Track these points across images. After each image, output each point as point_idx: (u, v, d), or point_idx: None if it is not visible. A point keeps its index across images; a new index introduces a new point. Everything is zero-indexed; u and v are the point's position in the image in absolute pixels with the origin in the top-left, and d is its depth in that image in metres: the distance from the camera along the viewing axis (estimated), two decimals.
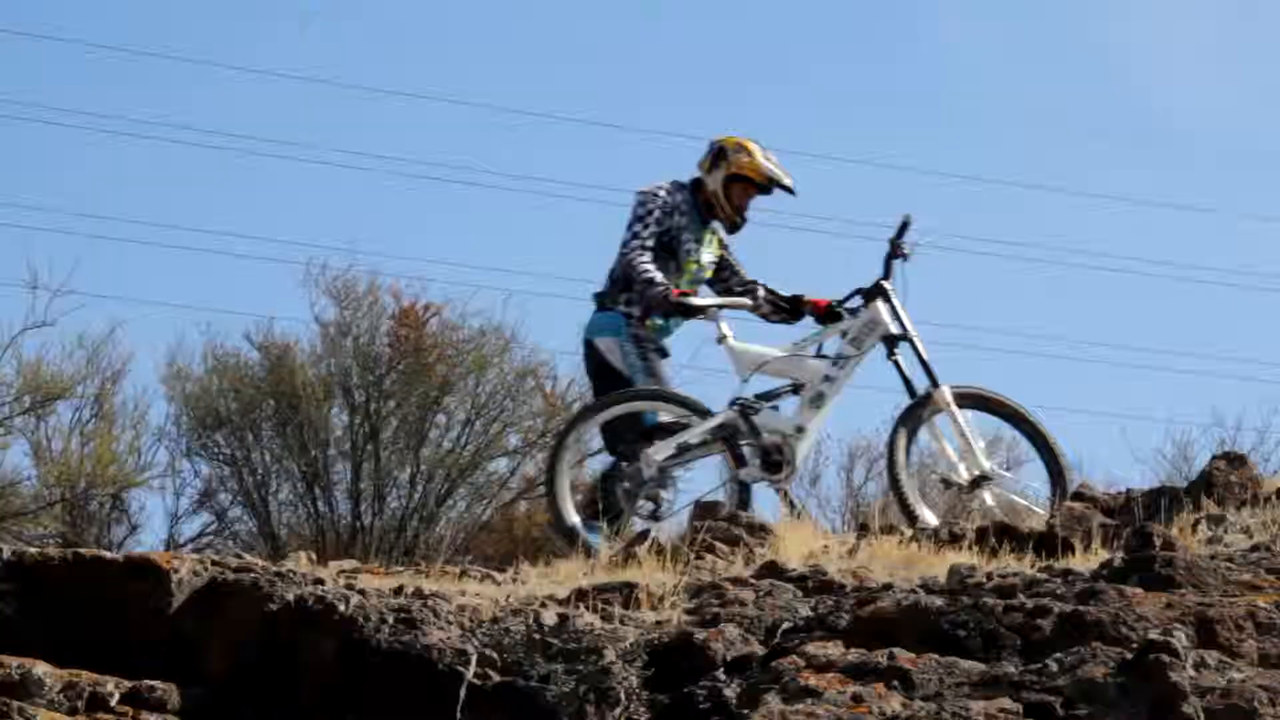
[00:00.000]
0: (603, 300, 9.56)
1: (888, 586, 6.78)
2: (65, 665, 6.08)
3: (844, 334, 9.32)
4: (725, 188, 9.62)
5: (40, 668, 5.97)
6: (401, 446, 18.96)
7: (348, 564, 8.02)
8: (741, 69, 39.82)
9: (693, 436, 9.18)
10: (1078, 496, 8.51)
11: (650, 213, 9.52)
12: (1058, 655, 5.83)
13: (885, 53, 42.07)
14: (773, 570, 7.13)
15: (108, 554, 6.56)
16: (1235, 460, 8.39)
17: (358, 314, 19.27)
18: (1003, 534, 7.78)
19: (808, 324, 9.69)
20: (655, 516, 9.10)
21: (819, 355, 9.36)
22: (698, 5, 40.88)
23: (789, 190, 9.69)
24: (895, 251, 9.30)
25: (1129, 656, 5.72)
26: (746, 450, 9.20)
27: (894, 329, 9.22)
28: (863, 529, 8.39)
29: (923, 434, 9.20)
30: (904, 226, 9.29)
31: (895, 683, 5.76)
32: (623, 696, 5.97)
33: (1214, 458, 8.50)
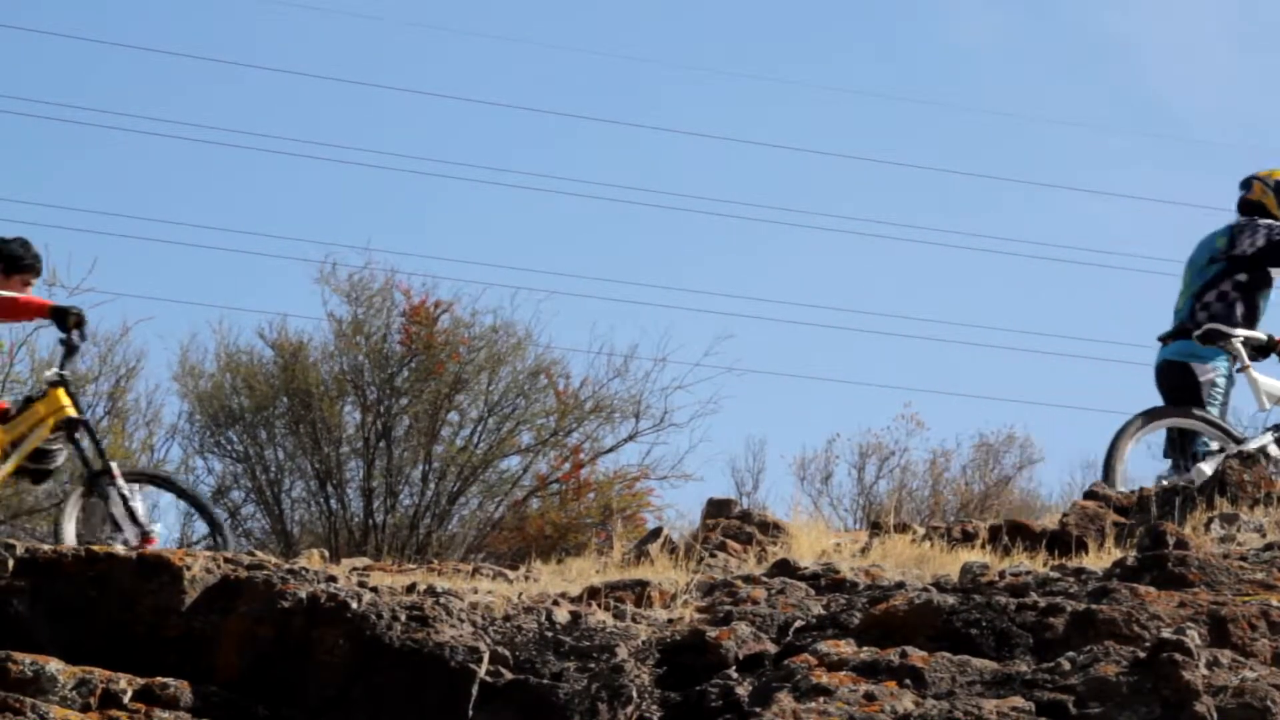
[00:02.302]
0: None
1: (900, 585, 6.78)
2: (78, 662, 6.09)
3: None
4: None
5: (53, 665, 5.98)
6: (414, 444, 18.97)
7: (360, 562, 8.03)
8: (748, 68, 39.78)
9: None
10: (1090, 495, 8.50)
11: None
12: (1070, 654, 5.82)
13: (892, 50, 42.00)
14: (785, 568, 7.13)
15: (120, 551, 6.57)
16: (1249, 459, 8.38)
17: (370, 312, 19.28)
18: (1015, 532, 7.78)
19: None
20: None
21: None
22: (706, 5, 40.86)
23: None
24: None
25: (1142, 655, 5.71)
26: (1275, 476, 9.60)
27: None
28: (875, 527, 8.39)
29: None
30: None
31: (907, 681, 5.76)
32: (635, 694, 5.97)
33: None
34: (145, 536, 8.34)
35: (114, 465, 8.53)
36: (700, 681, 6.03)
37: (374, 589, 6.54)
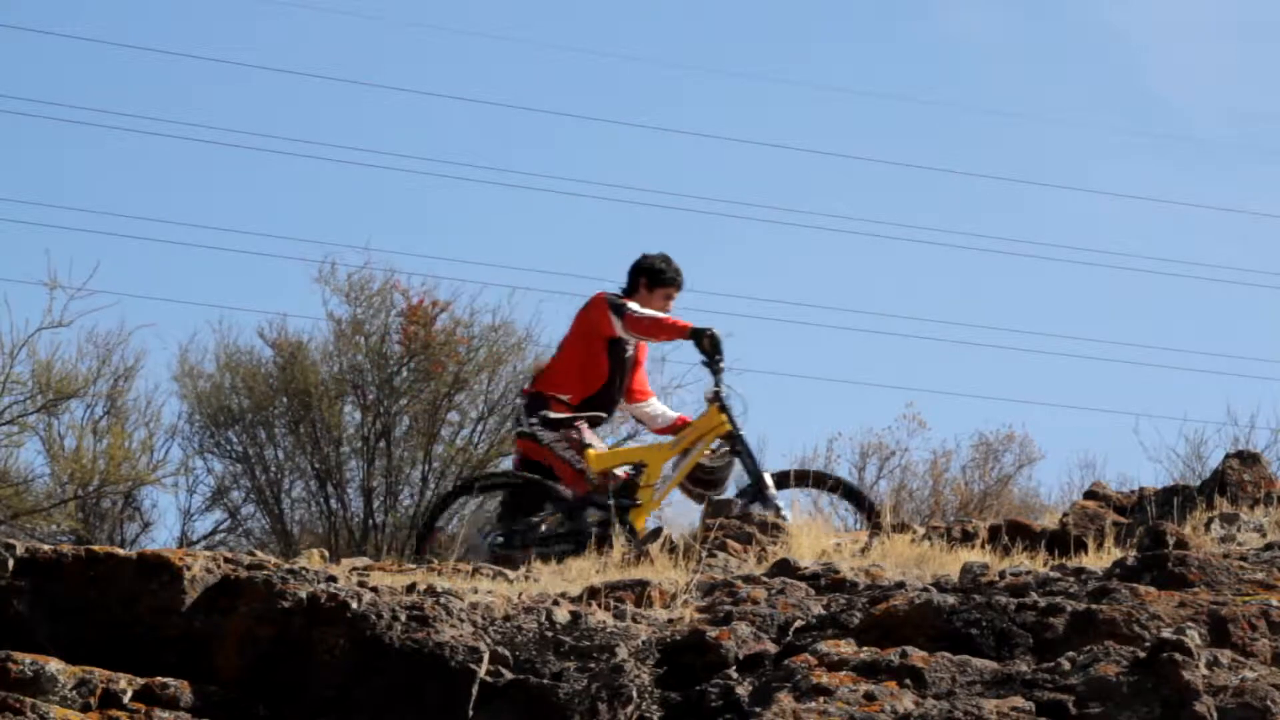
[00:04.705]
0: None
1: (900, 585, 6.78)
2: (78, 662, 6.09)
3: None
4: None
5: (53, 665, 5.98)
6: (414, 444, 18.97)
7: (360, 561, 8.03)
8: (748, 68, 39.79)
9: None
10: (1090, 495, 8.50)
11: None
12: (1070, 654, 5.83)
13: (887, 47, 41.98)
14: (785, 568, 7.13)
15: (120, 552, 6.57)
16: (1249, 459, 8.38)
17: (369, 311, 19.28)
18: (1015, 532, 7.78)
19: None
20: None
21: None
22: (707, 5, 40.87)
23: None
24: None
25: (1142, 655, 5.71)
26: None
27: None
28: (875, 527, 8.39)
29: None
30: None
31: (907, 681, 5.76)
32: (635, 694, 5.97)
33: (1227, 456, 8.49)
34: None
35: (766, 476, 9.09)
36: (700, 681, 6.03)
37: (374, 589, 6.54)
